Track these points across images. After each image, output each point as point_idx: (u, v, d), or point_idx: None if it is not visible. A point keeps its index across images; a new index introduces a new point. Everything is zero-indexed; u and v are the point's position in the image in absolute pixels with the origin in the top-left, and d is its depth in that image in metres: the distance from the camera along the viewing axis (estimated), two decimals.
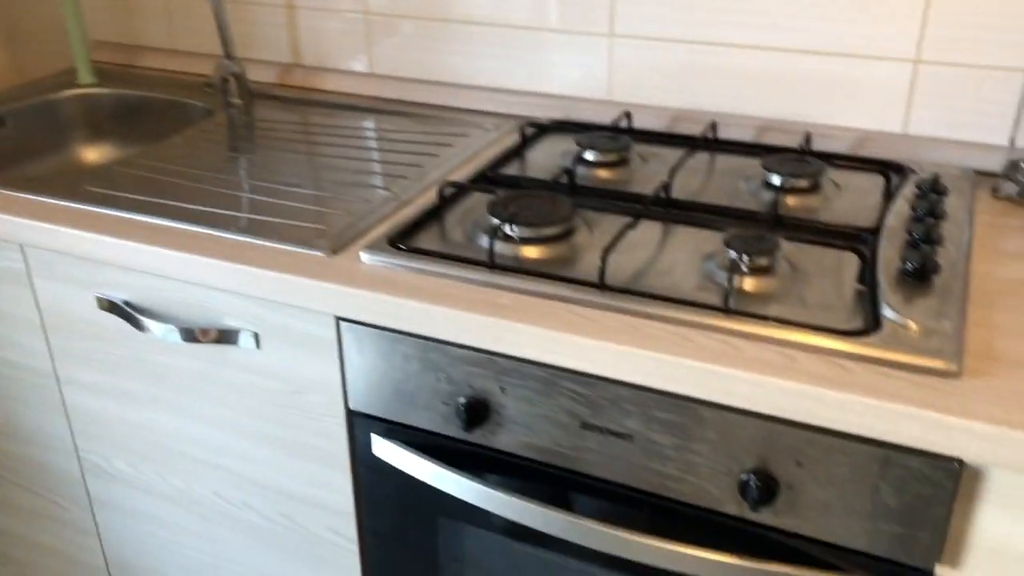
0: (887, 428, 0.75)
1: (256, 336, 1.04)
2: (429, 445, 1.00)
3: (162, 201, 1.12)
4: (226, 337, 1.05)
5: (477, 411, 0.93)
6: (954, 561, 0.80)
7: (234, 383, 1.09)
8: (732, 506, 0.86)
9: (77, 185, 1.17)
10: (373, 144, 1.30)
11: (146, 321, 1.09)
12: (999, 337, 0.82)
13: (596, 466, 0.91)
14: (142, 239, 1.03)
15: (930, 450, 0.75)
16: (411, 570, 1.10)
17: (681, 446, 0.86)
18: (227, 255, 0.99)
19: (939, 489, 0.76)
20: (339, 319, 0.98)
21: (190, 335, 1.07)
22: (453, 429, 0.97)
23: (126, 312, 1.10)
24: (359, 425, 1.03)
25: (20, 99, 1.52)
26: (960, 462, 0.75)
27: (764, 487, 0.82)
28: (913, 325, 0.81)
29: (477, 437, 0.96)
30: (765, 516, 0.85)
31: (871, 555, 0.82)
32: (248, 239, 1.02)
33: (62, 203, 1.12)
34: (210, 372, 1.10)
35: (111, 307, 1.11)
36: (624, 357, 0.83)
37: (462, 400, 0.94)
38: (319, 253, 0.99)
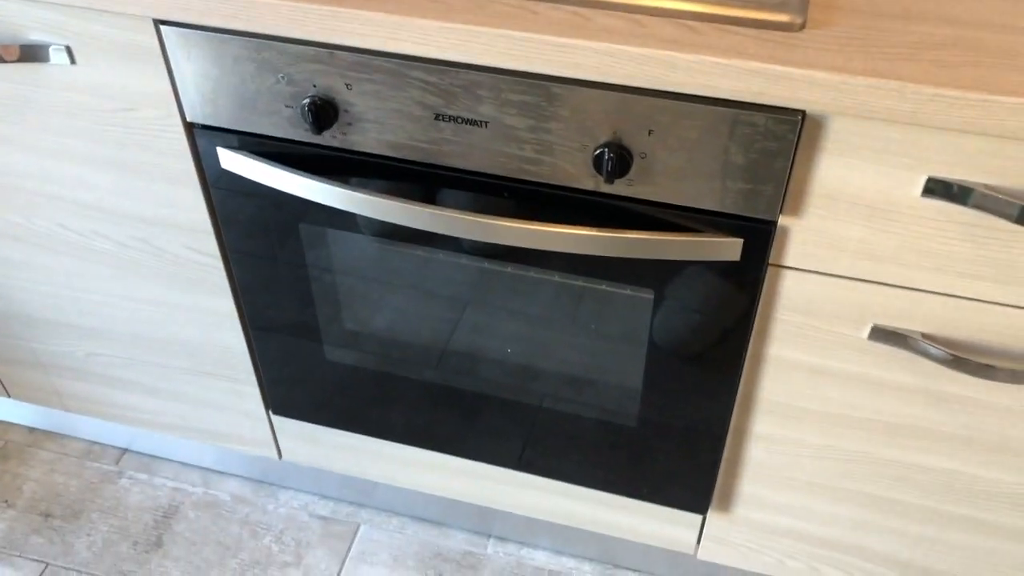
0: (735, 86, 0.75)
1: (69, 50, 0.94)
2: (280, 153, 0.95)
3: None
4: (34, 54, 0.95)
5: (324, 111, 0.89)
6: (795, 209, 0.84)
7: (55, 105, 1.00)
8: (589, 181, 0.87)
9: None
10: None
11: None
12: None
13: (454, 157, 0.90)
14: None
15: (775, 104, 0.76)
16: (281, 284, 1.09)
17: (536, 127, 0.85)
18: None
19: (783, 142, 0.78)
20: (158, 22, 0.89)
21: None
22: (302, 133, 0.93)
23: None
24: (202, 138, 0.97)
25: None
26: (803, 113, 0.77)
27: (618, 159, 0.83)
28: None
29: (328, 139, 0.92)
30: (620, 187, 0.86)
31: (720, 213, 0.86)
32: None
33: None
34: (24, 95, 1.00)
35: None
36: (472, 38, 0.79)
37: (306, 101, 0.89)
38: None
